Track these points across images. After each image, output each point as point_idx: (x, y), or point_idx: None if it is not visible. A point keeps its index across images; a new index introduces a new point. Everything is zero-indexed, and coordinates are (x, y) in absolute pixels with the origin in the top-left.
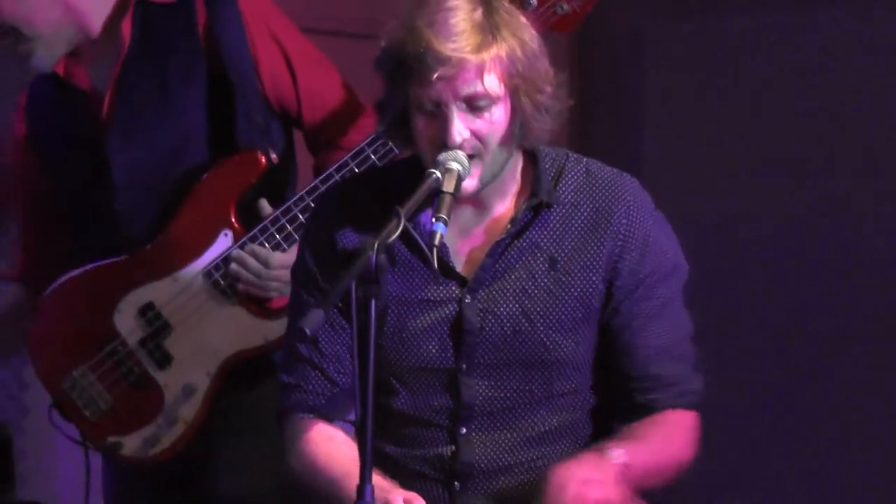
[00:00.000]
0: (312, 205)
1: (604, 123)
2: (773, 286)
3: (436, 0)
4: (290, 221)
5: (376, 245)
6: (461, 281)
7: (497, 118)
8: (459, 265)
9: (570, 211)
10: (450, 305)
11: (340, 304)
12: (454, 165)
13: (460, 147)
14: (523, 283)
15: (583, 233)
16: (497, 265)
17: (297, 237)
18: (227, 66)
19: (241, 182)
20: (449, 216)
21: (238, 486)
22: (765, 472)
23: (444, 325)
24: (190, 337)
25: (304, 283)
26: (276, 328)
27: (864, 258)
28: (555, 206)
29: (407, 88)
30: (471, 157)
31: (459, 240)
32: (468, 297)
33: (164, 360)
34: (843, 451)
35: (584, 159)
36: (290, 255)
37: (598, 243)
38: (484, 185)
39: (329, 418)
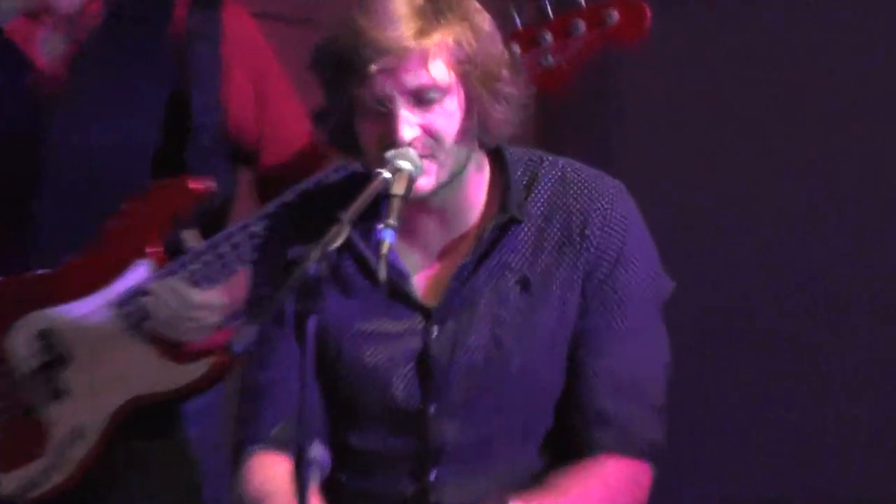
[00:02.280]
0: (242, 242)
1: (571, 118)
2: (764, 289)
3: None
4: (218, 258)
5: (315, 253)
6: (425, 311)
7: (450, 110)
8: (421, 293)
9: (542, 224)
10: (413, 339)
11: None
12: (404, 165)
13: (410, 145)
14: (493, 309)
15: (557, 248)
16: (464, 291)
17: (220, 276)
18: (191, 78)
19: (170, 209)
20: (399, 221)
21: None
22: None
23: (407, 362)
24: (89, 372)
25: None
26: (186, 374)
27: (858, 257)
28: (526, 220)
29: (347, 89)
30: (424, 157)
31: (421, 265)
32: (434, 329)
33: (56, 394)
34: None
35: (561, 162)
36: (210, 295)
37: (573, 258)
38: (440, 185)
39: (283, 448)
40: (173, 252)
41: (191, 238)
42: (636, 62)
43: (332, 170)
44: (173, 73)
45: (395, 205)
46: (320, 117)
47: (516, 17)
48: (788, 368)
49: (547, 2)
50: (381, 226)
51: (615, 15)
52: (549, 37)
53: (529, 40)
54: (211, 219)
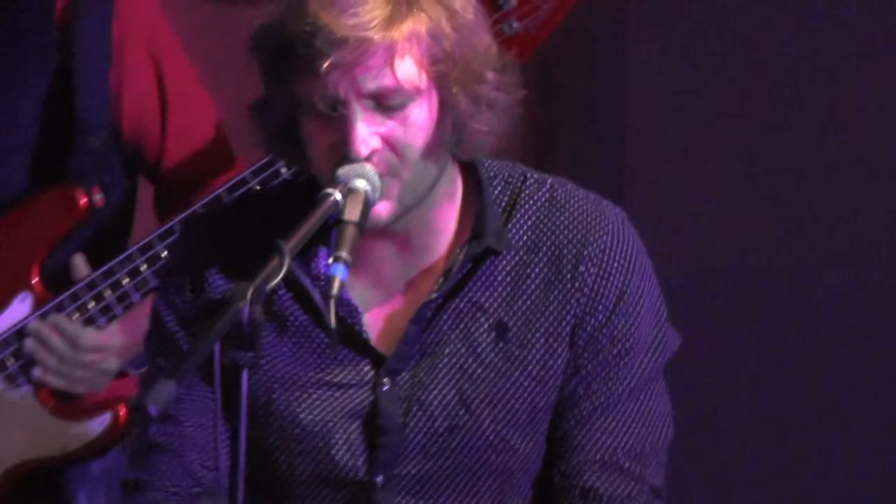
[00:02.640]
0: (144, 269)
1: (571, 125)
2: (779, 317)
3: None
4: (112, 288)
5: (250, 293)
6: (376, 358)
7: (418, 119)
8: (374, 336)
9: (525, 257)
10: (360, 392)
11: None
12: (359, 184)
13: (367, 160)
14: (462, 360)
15: (542, 287)
16: (426, 336)
17: (117, 310)
18: (76, 70)
19: (50, 229)
20: (353, 254)
21: None
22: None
23: (351, 419)
24: None
25: (161, 347)
26: (80, 434)
27: (871, 275)
28: (505, 251)
29: (292, 83)
30: (384, 175)
31: (375, 301)
32: (386, 381)
33: None
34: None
35: (549, 180)
36: (106, 335)
37: (562, 300)
38: (404, 210)
39: None
40: (55, 282)
41: (80, 264)
42: (643, 69)
43: (250, 173)
44: (56, 61)
45: (349, 234)
46: (258, 112)
47: None
48: (791, 374)
49: None
50: (329, 259)
51: None
52: None
53: (488, 3)
54: (104, 240)
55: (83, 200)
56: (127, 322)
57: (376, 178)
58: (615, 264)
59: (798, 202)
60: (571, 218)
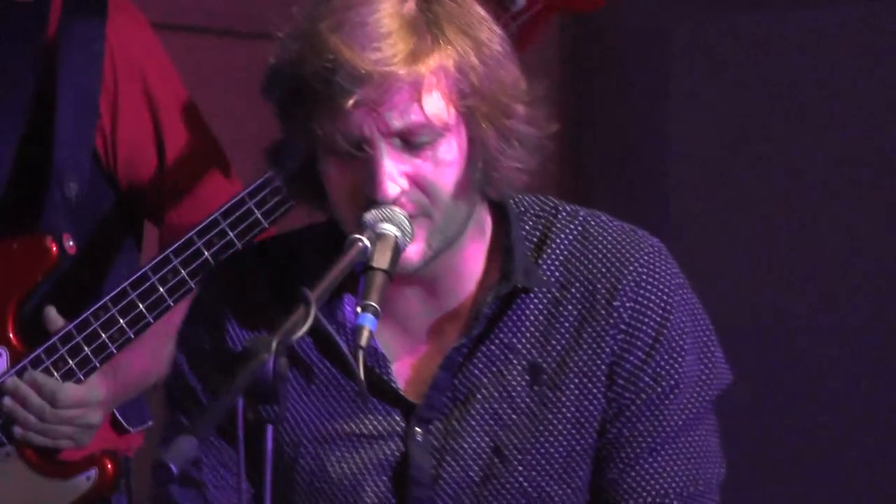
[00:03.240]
0: (120, 319)
1: (607, 158)
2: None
3: None
4: (88, 340)
5: (274, 344)
6: (407, 407)
7: (447, 156)
8: (402, 385)
9: (558, 294)
10: (391, 443)
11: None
12: (388, 229)
13: (395, 203)
14: (495, 406)
15: (576, 325)
16: (457, 382)
17: (96, 362)
18: (58, 107)
19: (22, 281)
20: (381, 304)
21: None
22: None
23: (382, 471)
24: None
25: (181, 400)
26: (67, 491)
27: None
28: (537, 289)
29: (311, 123)
30: (413, 216)
31: (401, 348)
32: (418, 430)
33: None
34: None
35: (582, 213)
36: (86, 388)
37: (597, 338)
38: (434, 253)
39: None
40: (30, 334)
41: (54, 317)
42: (684, 104)
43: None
44: (36, 98)
45: (378, 282)
46: (274, 155)
47: None
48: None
49: None
50: (358, 308)
51: None
52: None
53: None
54: (78, 287)
55: (54, 248)
56: (106, 373)
57: (406, 222)
58: (652, 297)
59: (837, 224)
60: (605, 250)
